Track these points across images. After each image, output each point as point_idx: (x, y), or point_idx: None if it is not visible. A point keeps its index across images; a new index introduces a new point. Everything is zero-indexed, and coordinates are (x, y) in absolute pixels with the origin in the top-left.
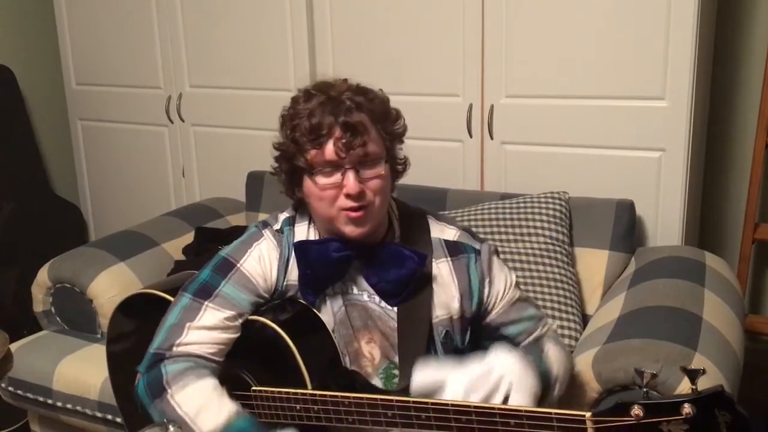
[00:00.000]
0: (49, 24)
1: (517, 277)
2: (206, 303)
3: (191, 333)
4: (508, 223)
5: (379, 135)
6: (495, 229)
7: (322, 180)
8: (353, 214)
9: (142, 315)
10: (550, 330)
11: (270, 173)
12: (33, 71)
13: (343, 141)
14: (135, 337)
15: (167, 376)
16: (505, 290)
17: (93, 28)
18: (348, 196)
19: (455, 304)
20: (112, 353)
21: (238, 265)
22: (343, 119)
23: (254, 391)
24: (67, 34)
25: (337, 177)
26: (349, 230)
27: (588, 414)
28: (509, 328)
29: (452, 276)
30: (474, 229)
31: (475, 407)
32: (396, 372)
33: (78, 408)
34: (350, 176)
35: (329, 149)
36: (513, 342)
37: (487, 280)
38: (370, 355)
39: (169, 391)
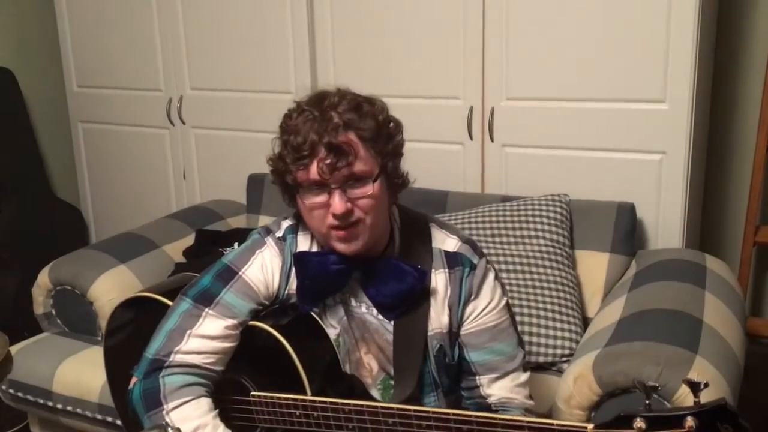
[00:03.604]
0: (51, 26)
1: (517, 279)
2: (206, 310)
3: (191, 341)
4: (509, 225)
5: (368, 154)
6: (495, 232)
7: (309, 199)
8: (341, 233)
9: (139, 318)
10: (520, 381)
11: (272, 182)
12: (34, 73)
13: (327, 162)
14: (133, 340)
15: (165, 389)
16: (483, 309)
17: (94, 30)
18: (334, 215)
19: (445, 318)
20: (110, 356)
21: (240, 272)
22: (327, 140)
23: (253, 396)
24: (68, 36)
25: (324, 196)
26: (341, 248)
27: (590, 426)
28: (472, 353)
29: (447, 288)
30: (474, 232)
31: (476, 417)
32: (393, 383)
33: (78, 410)
34: (336, 196)
35: (313, 169)
36: (471, 370)
37: (472, 297)
38: (369, 366)
39: (165, 406)
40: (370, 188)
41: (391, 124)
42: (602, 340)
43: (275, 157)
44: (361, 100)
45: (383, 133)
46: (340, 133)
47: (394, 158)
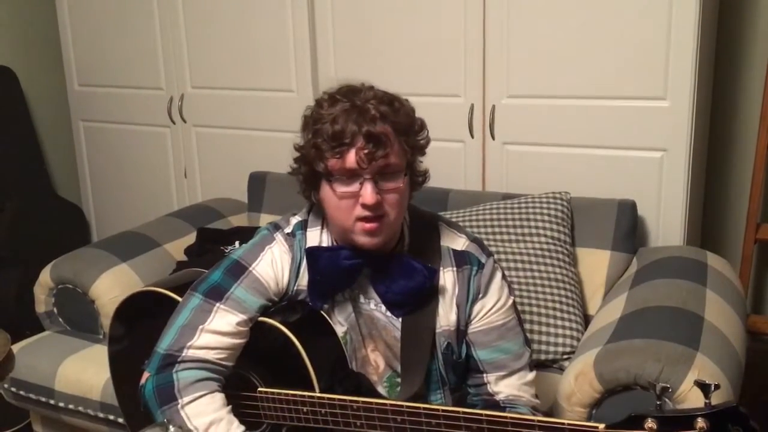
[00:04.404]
0: (52, 25)
1: (518, 277)
2: (218, 305)
3: (203, 336)
4: (510, 223)
5: (401, 147)
6: (497, 230)
7: (340, 188)
8: (368, 225)
9: (145, 313)
10: (527, 380)
11: (288, 173)
12: (35, 72)
13: (366, 151)
14: (138, 335)
15: (179, 384)
16: (491, 308)
17: (95, 29)
18: (364, 206)
19: (453, 316)
20: (114, 352)
21: (251, 268)
22: (366, 129)
23: (261, 392)
24: (70, 35)
25: (355, 186)
26: (364, 240)
27: (602, 426)
28: (480, 351)
29: (455, 286)
30: (476, 230)
31: (487, 416)
32: (399, 381)
33: (80, 408)
34: (368, 187)
35: (350, 158)
36: (478, 368)
37: (480, 295)
38: (375, 363)
39: (180, 401)
40: (401, 182)
41: (418, 121)
42: (603, 338)
43: (307, 144)
44: (390, 95)
45: (414, 129)
46: (378, 124)
47: (421, 154)
